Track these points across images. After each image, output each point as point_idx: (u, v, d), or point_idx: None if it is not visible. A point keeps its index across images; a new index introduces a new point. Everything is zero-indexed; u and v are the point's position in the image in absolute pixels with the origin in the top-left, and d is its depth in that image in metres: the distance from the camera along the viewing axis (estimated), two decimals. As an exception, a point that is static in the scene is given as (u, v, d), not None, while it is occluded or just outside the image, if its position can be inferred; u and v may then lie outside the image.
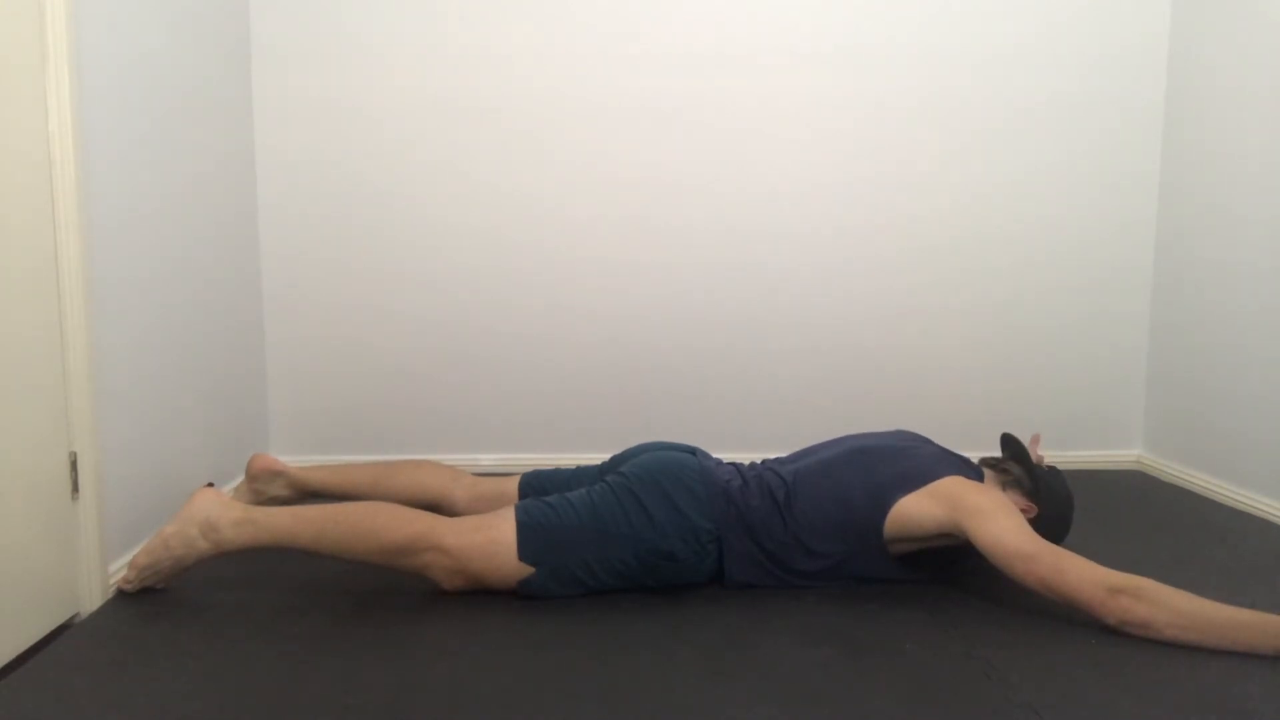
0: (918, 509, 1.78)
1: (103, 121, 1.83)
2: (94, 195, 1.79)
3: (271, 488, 2.13)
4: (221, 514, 1.75)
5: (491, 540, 1.75)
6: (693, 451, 1.96)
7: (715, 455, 2.01)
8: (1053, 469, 1.95)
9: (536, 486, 2.05)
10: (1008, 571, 1.67)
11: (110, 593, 1.81)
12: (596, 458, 2.15)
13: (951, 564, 1.86)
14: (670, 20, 2.72)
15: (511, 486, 2.07)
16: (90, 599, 1.76)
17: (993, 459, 2.01)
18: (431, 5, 2.69)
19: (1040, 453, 2.06)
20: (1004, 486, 1.90)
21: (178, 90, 2.18)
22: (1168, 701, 1.41)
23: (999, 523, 1.70)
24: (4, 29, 1.56)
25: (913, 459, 1.89)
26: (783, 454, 2.07)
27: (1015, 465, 1.95)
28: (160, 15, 2.10)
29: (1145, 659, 1.55)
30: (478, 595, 1.76)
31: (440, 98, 2.71)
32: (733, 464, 1.99)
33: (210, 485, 1.88)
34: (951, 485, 1.79)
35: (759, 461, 2.05)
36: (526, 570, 1.74)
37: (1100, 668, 1.52)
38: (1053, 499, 1.87)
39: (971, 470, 1.90)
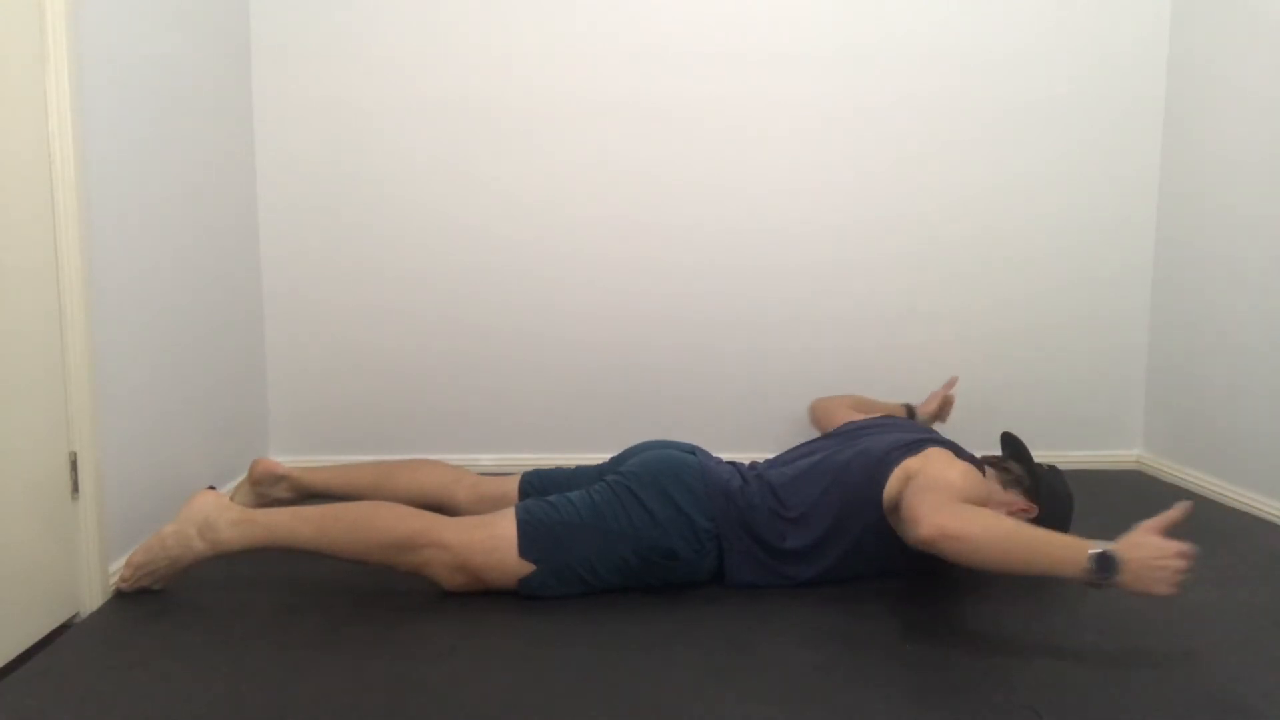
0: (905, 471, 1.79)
1: (103, 121, 1.83)
2: (94, 195, 1.79)
3: (274, 491, 2.13)
4: (219, 514, 1.75)
5: (492, 536, 1.75)
6: (692, 451, 1.97)
7: (715, 455, 2.02)
8: (1053, 468, 1.95)
9: (537, 486, 2.05)
10: (903, 505, 1.67)
11: (110, 593, 1.81)
12: (596, 458, 2.15)
13: None
14: (671, 20, 2.72)
15: (512, 487, 2.07)
16: (90, 599, 1.76)
17: (994, 457, 2.01)
18: (431, 5, 2.68)
19: (951, 393, 2.45)
20: (1004, 485, 1.90)
21: (178, 90, 2.18)
22: (1168, 701, 1.42)
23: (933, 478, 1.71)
24: (4, 29, 1.56)
25: (907, 431, 1.94)
26: (783, 453, 2.08)
27: (1016, 464, 1.95)
28: (160, 15, 2.10)
29: (1146, 658, 1.55)
30: (478, 595, 1.76)
31: (440, 98, 2.71)
32: (731, 463, 1.99)
33: (211, 488, 1.88)
34: (935, 453, 1.81)
35: (759, 461, 2.05)
36: (527, 568, 1.74)
37: (1100, 668, 1.52)
38: (1053, 498, 1.87)
39: (975, 465, 1.90)
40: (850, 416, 2.28)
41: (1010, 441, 2.00)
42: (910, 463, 1.80)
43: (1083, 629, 1.66)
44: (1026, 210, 2.84)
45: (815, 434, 2.13)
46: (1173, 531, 1.51)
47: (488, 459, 2.79)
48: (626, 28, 2.72)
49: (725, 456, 2.06)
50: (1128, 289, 2.89)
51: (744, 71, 2.74)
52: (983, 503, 1.77)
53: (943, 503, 1.61)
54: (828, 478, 1.85)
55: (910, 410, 2.54)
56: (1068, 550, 1.51)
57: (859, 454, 1.87)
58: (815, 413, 2.58)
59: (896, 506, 1.76)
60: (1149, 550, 1.47)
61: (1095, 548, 1.47)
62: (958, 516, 1.56)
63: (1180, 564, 1.45)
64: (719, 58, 2.74)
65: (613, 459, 2.05)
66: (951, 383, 2.51)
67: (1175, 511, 1.53)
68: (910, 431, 1.97)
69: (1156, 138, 2.84)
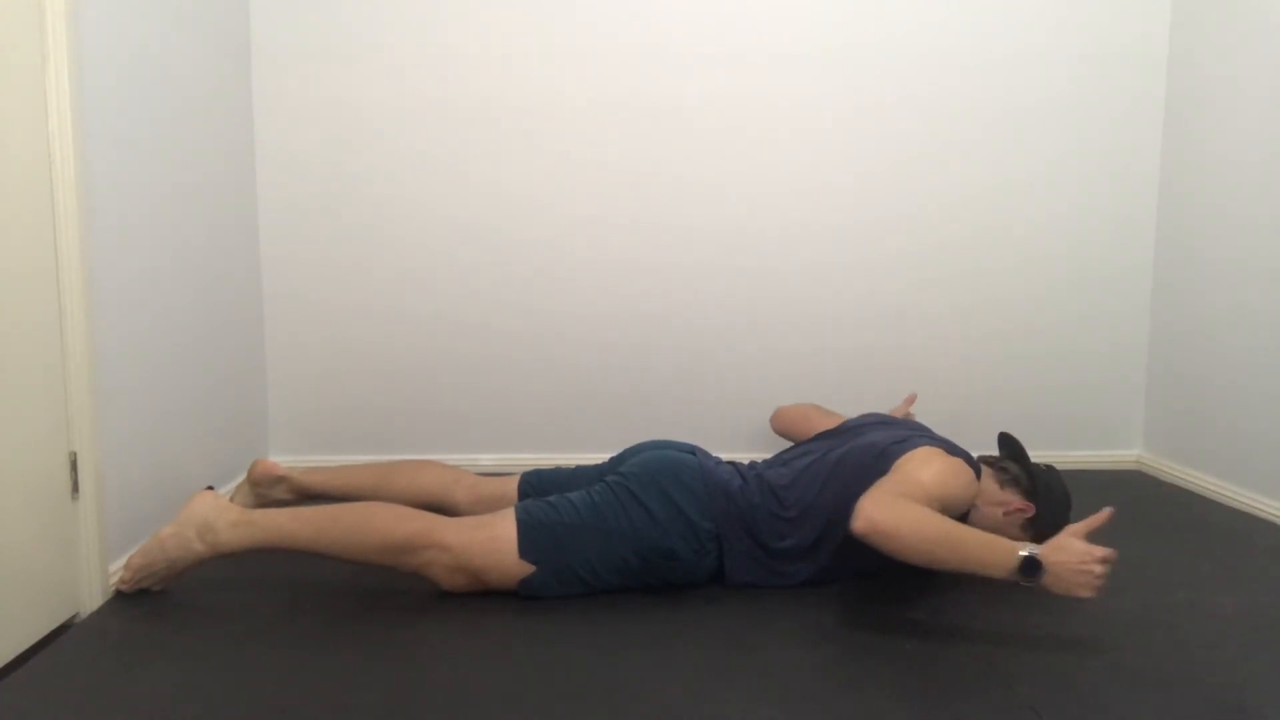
0: None
1: (103, 121, 1.83)
2: (94, 195, 1.79)
3: (273, 492, 2.13)
4: (218, 516, 1.75)
5: (492, 538, 1.75)
6: (692, 451, 1.96)
7: (715, 455, 2.01)
8: (1049, 467, 1.96)
9: (536, 486, 2.05)
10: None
11: (110, 593, 1.81)
12: (596, 458, 2.15)
13: None
14: (671, 20, 2.72)
15: (512, 487, 2.07)
16: (90, 599, 1.76)
17: (991, 457, 2.01)
18: (431, 5, 2.69)
19: (910, 411, 2.34)
20: (1001, 485, 1.91)
21: (178, 90, 2.18)
22: (1168, 700, 1.42)
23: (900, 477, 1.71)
24: (4, 29, 1.56)
25: (900, 428, 1.94)
26: (781, 453, 2.08)
27: (1013, 464, 1.96)
28: (161, 15, 2.10)
29: (1146, 658, 1.55)
30: (478, 596, 1.76)
31: (440, 98, 2.71)
32: (732, 463, 1.99)
33: (210, 489, 1.88)
34: (920, 452, 1.78)
35: (758, 460, 2.05)
36: (528, 569, 1.74)
37: (1100, 668, 1.52)
38: (1049, 498, 1.88)
39: (970, 464, 1.90)
40: (827, 421, 2.28)
41: (1007, 441, 2.01)
42: (900, 460, 1.80)
43: (1082, 629, 1.66)
44: (1026, 210, 2.84)
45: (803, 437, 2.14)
46: (1096, 536, 1.56)
47: (488, 459, 2.79)
48: (626, 28, 2.72)
49: (725, 456, 2.06)
50: (1128, 289, 2.89)
51: (744, 71, 2.74)
52: (965, 504, 1.79)
53: (884, 498, 1.62)
54: (824, 476, 1.85)
55: None
56: (997, 554, 1.55)
57: (853, 451, 1.87)
58: (785, 420, 2.49)
59: None
60: (1071, 554, 1.52)
61: (1023, 550, 1.52)
62: (892, 513, 1.58)
63: (1100, 569, 1.51)
64: (719, 58, 2.74)
65: (612, 459, 2.05)
66: (910, 399, 2.47)
67: (1099, 516, 1.59)
68: (903, 428, 1.97)
69: (1156, 137, 2.84)
